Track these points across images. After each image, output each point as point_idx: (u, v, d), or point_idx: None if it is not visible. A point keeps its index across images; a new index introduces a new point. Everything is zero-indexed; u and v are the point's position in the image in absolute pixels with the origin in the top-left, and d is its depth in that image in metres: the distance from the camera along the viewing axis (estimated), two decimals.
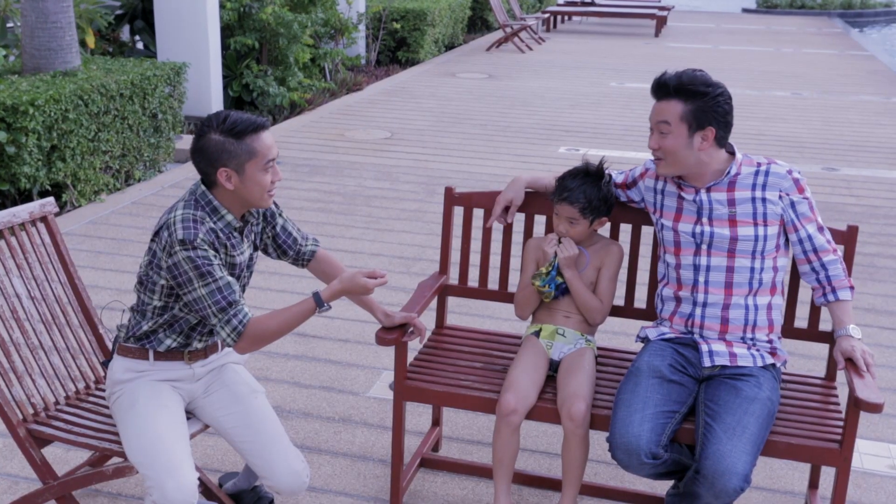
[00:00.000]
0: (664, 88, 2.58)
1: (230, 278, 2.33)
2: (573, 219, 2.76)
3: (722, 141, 2.59)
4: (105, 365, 2.59)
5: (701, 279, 2.64)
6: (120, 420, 2.40)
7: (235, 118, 2.32)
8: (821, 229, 2.64)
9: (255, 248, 2.57)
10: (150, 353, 2.45)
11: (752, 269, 2.60)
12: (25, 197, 5.58)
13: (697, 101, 2.53)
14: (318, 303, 2.37)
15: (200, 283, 2.28)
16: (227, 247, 2.39)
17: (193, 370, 2.52)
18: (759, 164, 2.63)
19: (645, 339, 2.78)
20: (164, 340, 2.44)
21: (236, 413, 2.52)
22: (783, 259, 2.66)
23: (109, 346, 2.81)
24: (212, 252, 2.31)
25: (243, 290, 2.53)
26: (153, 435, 2.32)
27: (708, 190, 2.62)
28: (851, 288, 2.65)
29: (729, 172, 2.60)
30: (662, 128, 2.57)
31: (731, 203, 2.60)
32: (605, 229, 2.93)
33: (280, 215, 2.62)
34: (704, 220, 2.62)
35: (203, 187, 2.39)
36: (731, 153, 2.66)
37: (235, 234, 2.43)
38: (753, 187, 2.60)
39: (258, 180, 2.34)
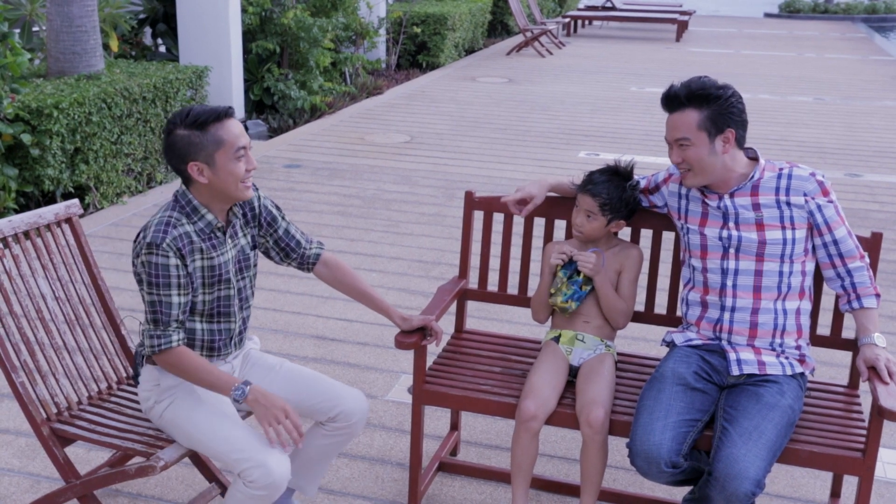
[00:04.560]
0: (675, 100, 2.57)
1: (175, 300, 2.32)
2: (591, 212, 2.76)
3: (741, 141, 2.59)
4: (135, 379, 2.57)
5: (729, 283, 2.62)
6: (186, 420, 2.39)
7: (199, 110, 2.29)
8: (849, 234, 2.62)
9: (253, 248, 2.55)
10: None
11: (781, 273, 2.58)
12: (49, 199, 5.64)
13: (712, 106, 2.53)
14: (237, 391, 2.31)
15: (147, 289, 2.32)
16: (203, 250, 2.37)
17: (231, 365, 2.57)
18: (780, 169, 2.62)
19: (671, 344, 2.77)
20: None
21: (279, 377, 2.57)
22: (811, 263, 2.64)
23: (132, 347, 2.82)
24: (175, 261, 2.30)
25: (247, 289, 2.51)
26: (232, 424, 2.35)
27: (732, 195, 2.61)
28: (877, 296, 2.63)
29: (752, 177, 2.59)
30: (682, 142, 2.56)
31: (757, 207, 2.58)
32: (625, 233, 2.92)
33: (283, 218, 2.61)
34: (731, 224, 2.60)
35: (184, 187, 2.39)
36: (754, 158, 2.65)
37: (218, 233, 2.41)
38: (777, 191, 2.58)
39: (230, 170, 2.31)
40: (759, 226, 2.58)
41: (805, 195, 2.57)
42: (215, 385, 2.33)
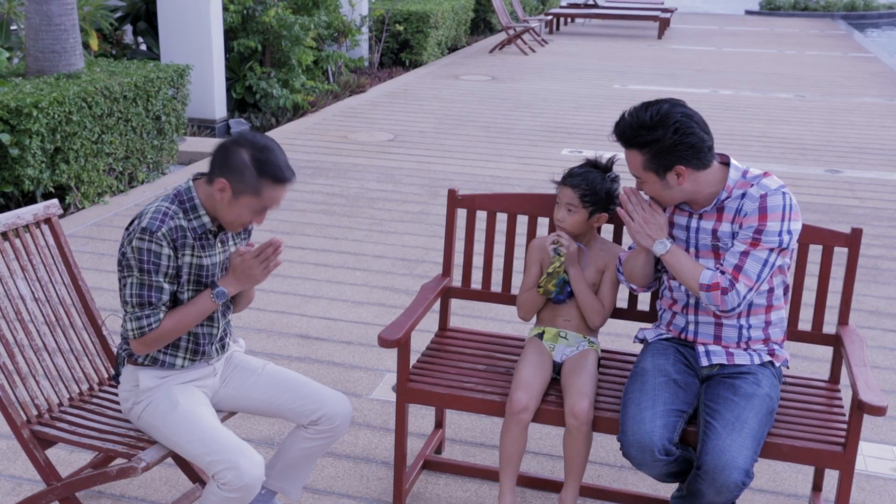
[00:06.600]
0: (620, 139, 2.47)
1: (165, 286, 2.34)
2: (572, 205, 2.75)
3: (702, 165, 2.45)
4: (116, 379, 2.57)
5: (692, 302, 2.63)
6: (162, 422, 2.40)
7: (275, 161, 2.28)
8: (746, 254, 2.43)
9: None
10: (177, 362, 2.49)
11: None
12: (29, 199, 5.60)
13: (653, 148, 2.41)
14: (219, 298, 2.40)
15: (138, 274, 2.32)
16: (193, 247, 2.38)
17: (214, 367, 2.58)
18: (750, 185, 2.49)
19: (643, 341, 2.79)
20: (174, 361, 2.47)
21: (261, 379, 2.58)
22: (778, 277, 2.59)
23: (113, 348, 2.81)
24: (167, 251, 2.32)
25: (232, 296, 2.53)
26: (207, 426, 2.35)
27: (700, 216, 2.56)
28: (708, 287, 2.49)
29: (720, 198, 2.51)
30: (636, 178, 2.51)
31: (714, 234, 2.54)
32: (607, 230, 2.93)
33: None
34: (692, 249, 2.59)
35: (192, 183, 2.40)
36: (726, 163, 2.54)
37: (209, 236, 2.42)
38: (736, 213, 2.50)
39: (240, 214, 2.35)
40: (716, 253, 2.54)
41: (744, 217, 2.46)
42: (202, 312, 2.40)
